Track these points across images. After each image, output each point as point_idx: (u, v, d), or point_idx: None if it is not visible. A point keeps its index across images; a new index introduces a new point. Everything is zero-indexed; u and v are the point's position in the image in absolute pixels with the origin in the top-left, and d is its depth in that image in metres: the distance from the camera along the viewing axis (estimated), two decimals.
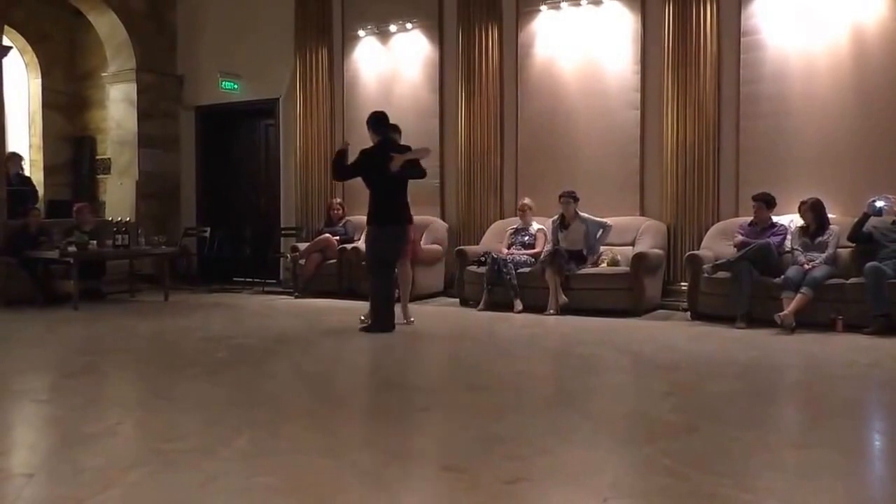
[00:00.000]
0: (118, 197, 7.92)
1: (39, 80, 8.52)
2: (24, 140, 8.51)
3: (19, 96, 8.41)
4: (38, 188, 7.80)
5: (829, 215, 4.90)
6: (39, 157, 8.42)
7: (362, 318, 4.74)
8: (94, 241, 6.18)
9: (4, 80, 6.92)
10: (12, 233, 6.35)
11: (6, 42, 7.47)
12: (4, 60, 7.04)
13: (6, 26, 7.38)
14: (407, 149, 4.60)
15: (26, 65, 8.55)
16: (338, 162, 4.69)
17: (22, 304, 5.91)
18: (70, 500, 1.96)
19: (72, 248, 5.90)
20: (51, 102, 8.57)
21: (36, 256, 6.11)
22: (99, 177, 8.53)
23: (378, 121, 4.68)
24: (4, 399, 3.21)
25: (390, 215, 4.52)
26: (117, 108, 7.94)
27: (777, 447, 2.45)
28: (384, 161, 4.43)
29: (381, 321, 4.48)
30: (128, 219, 7.04)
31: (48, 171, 8.40)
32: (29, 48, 8.44)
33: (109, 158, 8.20)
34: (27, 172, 7.75)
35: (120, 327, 5.13)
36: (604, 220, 5.63)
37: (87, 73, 8.61)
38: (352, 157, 4.71)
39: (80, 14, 7.96)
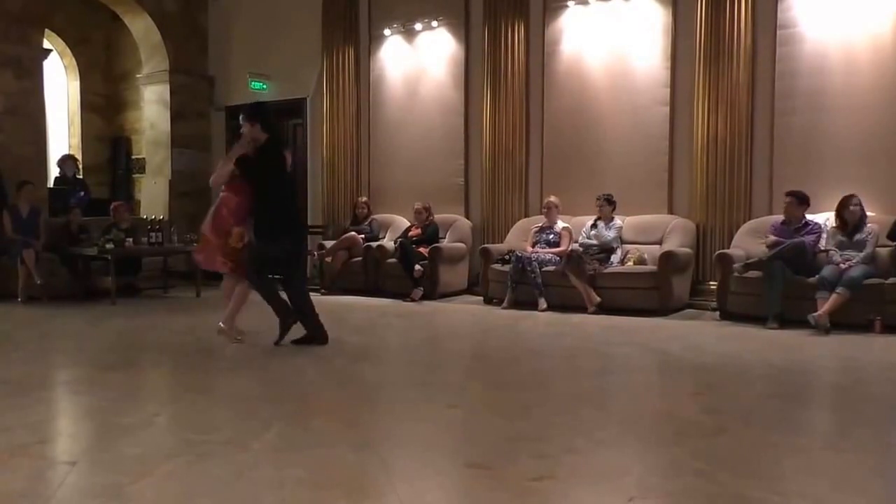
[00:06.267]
0: (152, 195, 8.15)
1: (78, 83, 8.82)
2: (64, 141, 8.83)
3: (59, 98, 8.72)
4: (90, 189, 7.77)
5: (868, 213, 4.75)
6: (79, 157, 8.73)
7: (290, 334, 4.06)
8: (130, 239, 6.38)
9: (45, 82, 7.18)
10: (55, 230, 6.60)
11: (46, 45, 7.75)
12: (45, 63, 7.30)
13: (47, 30, 7.65)
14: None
15: (66, 67, 8.85)
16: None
17: (63, 299, 6.13)
18: (111, 487, 2.04)
19: (109, 246, 6.10)
20: (89, 104, 8.87)
21: (76, 253, 6.33)
22: (134, 176, 8.81)
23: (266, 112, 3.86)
24: (48, 390, 3.35)
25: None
26: (151, 109, 8.16)
27: (809, 450, 2.40)
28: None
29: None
30: (161, 217, 7.24)
31: (87, 170, 8.69)
32: (68, 51, 8.74)
33: (144, 158, 8.45)
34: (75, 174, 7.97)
35: (155, 322, 5.28)
36: (613, 236, 5.59)
37: (122, 75, 8.88)
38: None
39: (117, 18, 8.20)
